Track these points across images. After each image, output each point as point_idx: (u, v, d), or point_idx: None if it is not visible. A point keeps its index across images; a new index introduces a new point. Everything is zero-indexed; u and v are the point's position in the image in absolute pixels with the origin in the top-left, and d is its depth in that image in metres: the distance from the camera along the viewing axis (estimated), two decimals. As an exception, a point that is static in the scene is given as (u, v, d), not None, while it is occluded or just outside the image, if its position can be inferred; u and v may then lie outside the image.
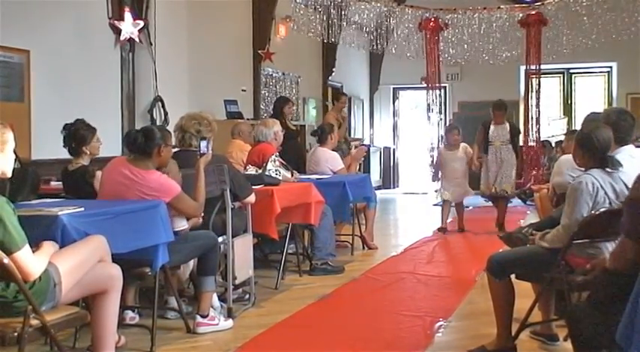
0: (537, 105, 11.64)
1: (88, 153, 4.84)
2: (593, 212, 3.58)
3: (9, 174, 3.16)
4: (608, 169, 3.64)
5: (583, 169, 3.79)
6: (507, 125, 8.83)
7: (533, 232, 4.01)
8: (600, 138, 3.68)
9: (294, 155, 7.92)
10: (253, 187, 5.08)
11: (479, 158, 8.78)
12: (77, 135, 4.80)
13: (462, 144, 8.91)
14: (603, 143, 3.69)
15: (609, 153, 3.72)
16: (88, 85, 7.07)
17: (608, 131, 3.74)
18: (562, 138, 9.56)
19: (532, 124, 11.58)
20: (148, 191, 4.09)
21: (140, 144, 4.17)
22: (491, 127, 8.79)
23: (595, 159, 3.69)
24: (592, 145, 3.69)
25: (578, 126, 8.62)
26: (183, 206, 4.24)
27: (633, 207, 2.69)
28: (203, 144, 4.56)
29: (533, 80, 11.68)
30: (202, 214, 4.60)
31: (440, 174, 9.12)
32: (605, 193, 3.60)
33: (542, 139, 12.03)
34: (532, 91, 11.66)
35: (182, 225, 4.42)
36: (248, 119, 8.92)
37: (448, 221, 9.05)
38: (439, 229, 8.85)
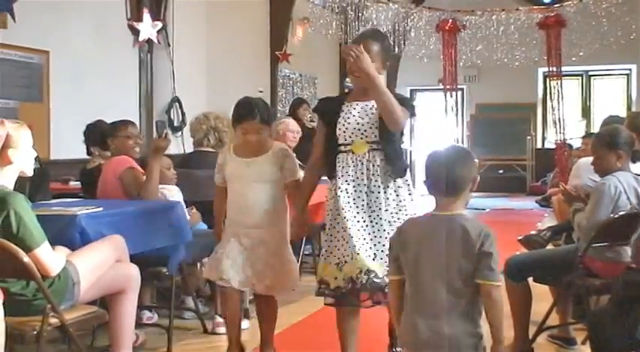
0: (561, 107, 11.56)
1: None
2: (612, 215, 3.55)
3: (29, 173, 3.15)
4: (636, 173, 3.61)
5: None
6: (372, 103, 3.56)
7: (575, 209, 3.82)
8: (624, 135, 3.67)
9: (309, 155, 7.88)
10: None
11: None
12: (96, 134, 4.84)
13: (277, 144, 3.86)
14: (629, 140, 3.67)
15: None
16: (106, 85, 7.11)
17: (627, 130, 3.73)
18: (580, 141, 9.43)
19: (558, 127, 11.46)
20: (110, 169, 4.36)
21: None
22: (341, 115, 3.56)
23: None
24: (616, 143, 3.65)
25: (597, 128, 8.50)
26: (127, 181, 4.30)
27: None
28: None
29: (554, 82, 11.61)
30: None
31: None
32: (628, 198, 3.57)
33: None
34: (553, 93, 11.58)
35: None
36: (265, 120, 8.91)
37: None
38: None
